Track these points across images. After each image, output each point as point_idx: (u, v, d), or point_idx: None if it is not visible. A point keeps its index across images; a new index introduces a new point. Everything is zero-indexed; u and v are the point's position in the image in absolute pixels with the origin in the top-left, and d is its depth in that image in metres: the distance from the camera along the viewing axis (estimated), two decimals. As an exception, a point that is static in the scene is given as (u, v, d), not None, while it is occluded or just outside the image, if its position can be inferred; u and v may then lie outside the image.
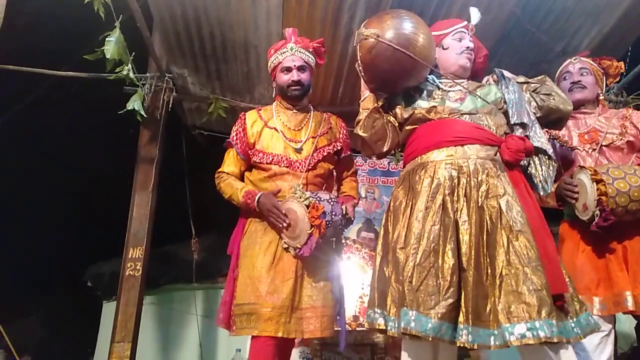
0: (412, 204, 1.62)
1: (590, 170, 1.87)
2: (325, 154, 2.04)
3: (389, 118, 1.81)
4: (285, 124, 2.06)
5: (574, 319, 1.42)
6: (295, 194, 1.88)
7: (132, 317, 2.88)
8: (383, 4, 2.77)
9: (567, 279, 1.48)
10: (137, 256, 2.99)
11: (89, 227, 5.17)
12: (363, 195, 4.12)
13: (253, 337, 1.86)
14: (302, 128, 2.06)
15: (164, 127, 3.29)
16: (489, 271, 1.48)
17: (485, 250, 1.50)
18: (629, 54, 3.16)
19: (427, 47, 1.68)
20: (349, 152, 2.20)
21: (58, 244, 5.35)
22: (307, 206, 1.83)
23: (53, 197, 5.14)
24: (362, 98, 1.82)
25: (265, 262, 1.90)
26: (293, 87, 2.03)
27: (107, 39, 2.62)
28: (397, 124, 1.82)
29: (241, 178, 2.10)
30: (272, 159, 1.99)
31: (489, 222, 1.52)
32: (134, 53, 2.81)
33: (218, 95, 3.47)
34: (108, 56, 2.60)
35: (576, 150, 2.05)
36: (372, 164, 4.17)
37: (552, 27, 2.92)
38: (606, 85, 2.22)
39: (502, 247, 1.48)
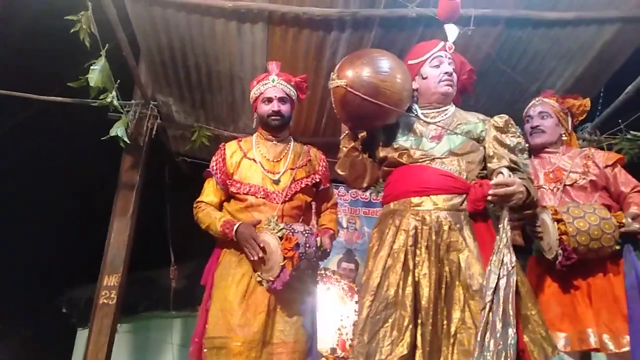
0: (378, 251, 1.63)
1: (551, 210, 1.90)
2: (303, 185, 2.05)
3: (368, 155, 1.83)
4: (264, 155, 2.08)
5: None
6: (269, 225, 1.88)
7: (104, 347, 2.81)
8: (364, 41, 2.86)
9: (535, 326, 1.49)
10: (112, 284, 2.94)
11: (67, 252, 5.08)
12: (344, 225, 4.13)
13: None
14: (280, 160, 2.08)
15: (146, 153, 3.30)
16: (445, 325, 1.49)
17: (442, 303, 1.51)
18: (601, 94, 3.28)
19: (398, 92, 1.65)
20: (328, 185, 2.21)
21: (34, 268, 5.24)
22: (281, 238, 1.83)
23: (32, 219, 5.07)
24: (342, 135, 1.85)
25: (237, 295, 1.88)
26: (273, 117, 2.06)
27: (91, 67, 2.65)
28: (377, 160, 1.83)
29: (220, 208, 2.10)
30: (249, 190, 2.00)
31: (448, 276, 1.53)
32: (119, 80, 2.85)
33: (202, 124, 3.50)
34: (92, 84, 2.63)
35: (542, 189, 2.08)
36: (354, 194, 4.19)
37: (527, 68, 3.02)
38: (574, 123, 2.25)
39: (458, 305, 1.49)
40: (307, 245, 1.85)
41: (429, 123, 1.76)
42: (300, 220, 2.06)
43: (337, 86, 1.65)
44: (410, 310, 1.49)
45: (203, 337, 1.91)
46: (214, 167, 2.08)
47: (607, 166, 2.07)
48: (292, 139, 2.19)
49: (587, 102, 2.26)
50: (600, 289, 1.90)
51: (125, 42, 2.76)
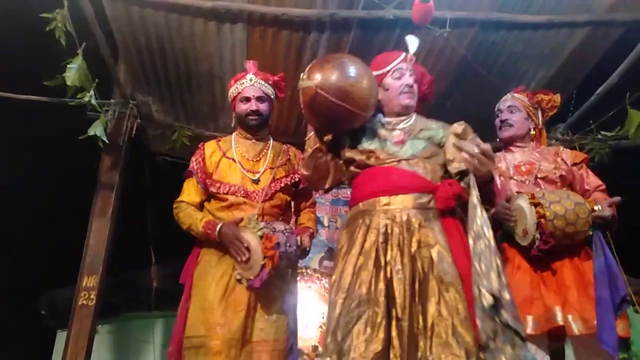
0: (348, 251, 1.65)
1: (528, 195, 1.92)
2: (282, 185, 2.06)
3: (332, 156, 1.84)
4: (244, 155, 2.08)
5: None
6: (250, 224, 1.89)
7: (83, 349, 2.79)
8: (343, 43, 2.90)
9: None
10: (91, 285, 2.92)
11: (46, 253, 5.01)
12: (326, 224, 4.16)
13: None
14: (260, 159, 2.09)
15: (126, 153, 3.28)
16: (421, 320, 1.50)
17: (417, 299, 1.53)
18: (574, 95, 3.37)
19: (366, 97, 1.69)
20: (305, 185, 2.20)
21: (12, 270, 5.15)
22: (261, 237, 1.83)
23: (10, 220, 4.98)
24: (307, 136, 1.85)
25: (217, 294, 1.88)
26: (251, 117, 2.07)
27: (68, 65, 2.62)
28: (341, 162, 1.85)
29: (200, 208, 2.09)
30: (229, 189, 2.00)
31: (421, 272, 1.55)
32: (97, 80, 2.83)
33: (182, 123, 3.50)
34: (69, 83, 2.60)
35: (513, 180, 2.11)
36: (335, 193, 4.22)
37: (502, 70, 3.09)
38: (544, 118, 2.29)
39: (434, 298, 1.51)
40: (288, 244, 1.86)
41: (394, 126, 1.81)
42: (280, 218, 2.07)
43: (307, 87, 1.66)
44: (383, 307, 1.51)
45: (183, 337, 1.90)
46: (194, 167, 2.07)
47: (574, 164, 2.12)
48: (271, 138, 2.20)
49: (557, 97, 2.29)
50: (569, 274, 1.92)
51: (103, 41, 2.74)
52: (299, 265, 3.81)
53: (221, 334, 1.81)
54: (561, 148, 2.22)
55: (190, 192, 2.08)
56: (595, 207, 1.92)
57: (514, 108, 2.22)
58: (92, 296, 2.91)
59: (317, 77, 1.65)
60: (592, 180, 2.11)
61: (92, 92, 2.79)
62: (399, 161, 1.72)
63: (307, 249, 2.02)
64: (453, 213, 1.67)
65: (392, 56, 1.88)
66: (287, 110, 3.48)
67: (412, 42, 1.88)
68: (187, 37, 2.88)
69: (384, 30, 2.83)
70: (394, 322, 1.51)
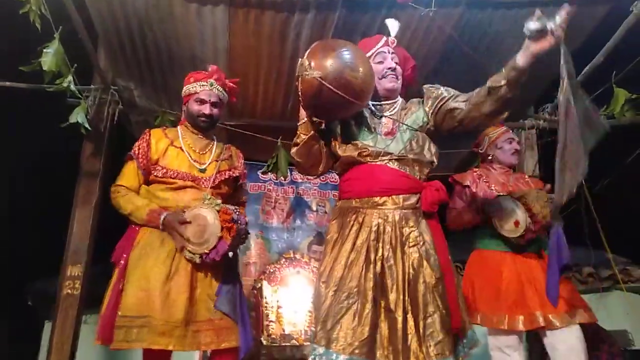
0: (340, 244, 1.72)
1: (510, 194, 2.36)
2: (226, 176, 2.16)
3: (324, 144, 1.87)
4: (191, 146, 2.14)
5: (464, 341, 1.69)
6: (205, 201, 1.95)
7: (69, 339, 2.76)
8: (328, 23, 2.83)
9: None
10: (76, 274, 2.88)
11: (31, 243, 4.93)
12: (314, 209, 4.15)
13: (144, 350, 1.88)
14: (206, 152, 2.17)
15: (108, 140, 3.21)
16: (411, 313, 1.61)
17: (408, 293, 1.63)
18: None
19: (366, 88, 1.71)
20: (245, 181, 2.36)
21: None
22: (218, 211, 1.91)
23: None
24: (300, 122, 1.85)
25: (160, 275, 1.89)
26: (203, 119, 2.14)
27: (44, 50, 2.54)
28: (331, 151, 1.89)
29: (138, 192, 2.10)
30: (177, 175, 2.05)
31: (410, 268, 1.65)
32: (76, 65, 2.75)
33: (165, 108, 3.42)
34: (45, 68, 2.53)
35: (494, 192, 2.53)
36: (323, 177, 4.20)
37: (489, 49, 3.05)
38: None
39: (423, 292, 1.62)
40: (240, 222, 1.96)
41: (381, 112, 1.87)
42: None
43: (310, 76, 1.64)
44: (371, 300, 1.59)
45: (112, 318, 1.86)
46: (137, 152, 2.10)
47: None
48: (214, 136, 2.27)
49: None
50: (541, 280, 2.23)
51: (80, 25, 2.65)
52: (287, 250, 3.81)
53: (166, 315, 1.83)
54: (526, 176, 2.75)
55: (130, 176, 2.10)
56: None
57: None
58: (76, 285, 2.87)
59: (322, 66, 1.63)
60: None
61: (70, 77, 2.71)
62: (390, 160, 1.77)
63: (247, 234, 2.12)
64: (435, 214, 1.80)
65: (373, 41, 1.91)
66: (272, 94, 3.42)
67: (393, 25, 1.89)
68: (167, 19, 2.79)
69: (370, 11, 2.77)
70: (383, 313, 1.60)
